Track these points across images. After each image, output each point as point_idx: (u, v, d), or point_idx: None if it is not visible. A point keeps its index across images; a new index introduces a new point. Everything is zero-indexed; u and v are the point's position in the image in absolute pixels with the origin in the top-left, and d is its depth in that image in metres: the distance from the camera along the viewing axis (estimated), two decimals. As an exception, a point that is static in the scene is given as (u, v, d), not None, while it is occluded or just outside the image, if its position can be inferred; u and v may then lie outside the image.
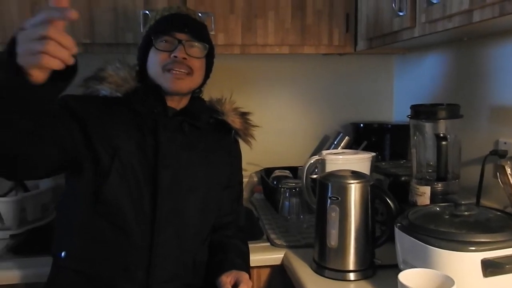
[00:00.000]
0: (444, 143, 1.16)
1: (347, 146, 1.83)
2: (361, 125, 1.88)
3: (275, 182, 1.72)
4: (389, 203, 1.11)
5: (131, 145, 1.06)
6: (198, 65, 1.16)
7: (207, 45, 1.17)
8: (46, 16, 0.70)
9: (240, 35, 1.56)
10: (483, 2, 0.90)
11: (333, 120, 1.99)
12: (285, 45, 1.60)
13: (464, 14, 0.98)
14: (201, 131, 1.19)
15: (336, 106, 2.00)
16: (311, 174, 1.44)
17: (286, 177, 1.77)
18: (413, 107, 1.30)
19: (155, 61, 1.14)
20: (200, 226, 1.14)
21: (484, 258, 0.84)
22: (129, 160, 1.04)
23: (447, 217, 0.98)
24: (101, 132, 1.04)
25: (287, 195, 1.55)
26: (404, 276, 0.82)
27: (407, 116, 1.32)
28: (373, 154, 1.47)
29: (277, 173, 1.81)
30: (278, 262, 1.32)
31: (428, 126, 1.28)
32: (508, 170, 1.01)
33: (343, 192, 1.12)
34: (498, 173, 1.04)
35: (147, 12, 1.46)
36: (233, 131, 1.28)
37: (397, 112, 2.02)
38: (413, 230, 0.95)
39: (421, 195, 1.25)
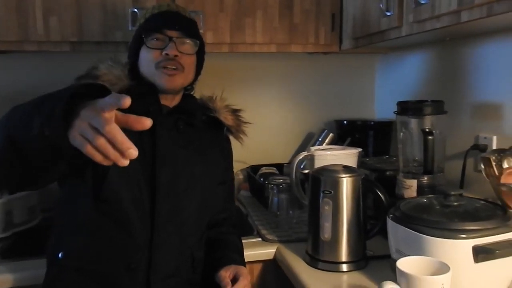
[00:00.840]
0: (430, 137, 1.21)
1: (331, 143, 1.87)
2: (345, 122, 1.93)
3: (262, 179, 1.74)
4: (380, 196, 1.15)
5: None
6: (190, 61, 1.17)
7: (198, 42, 1.18)
8: (108, 107, 0.65)
9: (229, 33, 1.57)
10: (472, 3, 0.95)
11: (317, 117, 2.03)
12: (273, 43, 1.63)
13: (453, 14, 1.03)
14: (195, 128, 1.20)
15: (320, 104, 2.04)
16: (300, 170, 1.48)
17: (273, 174, 1.80)
18: (400, 104, 1.35)
19: (147, 59, 1.14)
20: (198, 223, 1.15)
21: (475, 245, 0.89)
22: None
23: (437, 207, 1.02)
24: None
25: (275, 191, 1.58)
26: (402, 263, 0.85)
27: (394, 112, 1.36)
28: (360, 149, 1.51)
29: (264, 170, 1.84)
30: (271, 257, 1.34)
31: (414, 122, 1.33)
32: (493, 162, 1.06)
33: (336, 186, 1.15)
34: (483, 166, 1.09)
35: (135, 10, 1.46)
36: (225, 128, 1.30)
37: (379, 109, 2.08)
38: (406, 221, 0.99)
39: (408, 188, 1.30)
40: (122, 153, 0.65)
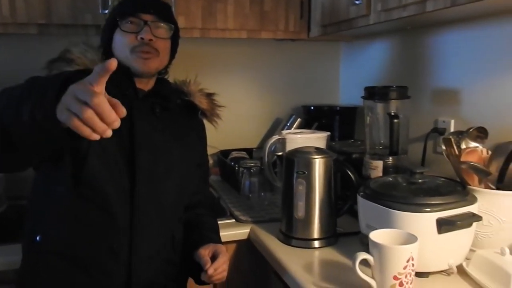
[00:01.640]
0: (396, 121, 1.29)
1: (299, 127, 1.92)
2: (312, 107, 1.99)
3: (233, 163, 1.78)
4: (350, 176, 1.22)
5: None
6: (164, 46, 1.17)
7: (172, 26, 1.19)
8: (96, 78, 0.66)
9: (200, 19, 1.58)
10: (437, -7, 1.02)
11: (285, 103, 2.08)
12: (244, 29, 1.65)
13: (419, 4, 1.10)
14: (171, 112, 1.21)
15: (288, 90, 2.09)
16: (272, 153, 1.52)
17: (243, 158, 1.84)
18: (367, 89, 1.42)
19: (121, 43, 1.13)
20: (177, 204, 1.18)
21: (439, 217, 0.97)
22: (106, 141, 1.04)
23: (404, 184, 1.10)
24: None
25: (247, 175, 1.62)
26: (375, 235, 0.92)
27: (361, 97, 1.43)
28: (328, 133, 1.58)
29: (234, 154, 1.88)
30: (245, 237, 1.39)
31: (380, 107, 1.40)
32: (454, 143, 1.15)
33: (309, 166, 1.21)
34: (444, 147, 1.17)
35: (106, -8, 1.44)
36: (199, 112, 1.31)
37: (343, 95, 2.16)
38: (375, 197, 1.05)
39: (374, 169, 1.38)
40: (109, 125, 0.67)
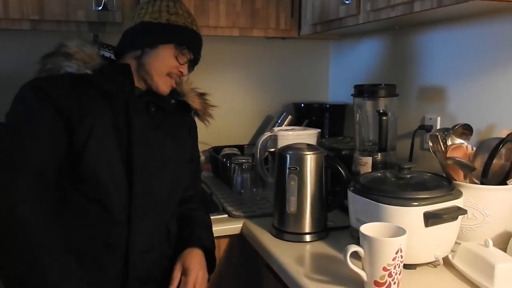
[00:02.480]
0: (385, 118, 1.32)
1: (290, 125, 1.95)
2: (302, 105, 2.02)
3: (225, 160, 1.80)
4: (341, 171, 1.25)
5: (106, 122, 1.07)
6: None
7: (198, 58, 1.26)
8: None
9: (192, 16, 1.60)
10: (424, -5, 1.06)
11: (276, 100, 2.11)
12: (235, 27, 1.67)
13: (406, 4, 1.14)
14: (165, 111, 1.23)
15: (279, 87, 2.12)
16: (264, 149, 1.55)
17: (235, 154, 1.86)
18: (356, 87, 1.45)
19: (163, 62, 1.17)
20: (171, 199, 1.20)
21: (426, 211, 1.00)
22: (104, 136, 1.06)
23: (392, 179, 1.14)
24: (75, 110, 1.04)
25: (239, 171, 1.64)
26: (365, 228, 0.95)
27: (351, 95, 1.47)
28: (319, 130, 1.61)
29: (226, 151, 1.90)
30: (237, 232, 1.41)
31: (369, 104, 1.44)
32: (441, 139, 1.19)
33: (301, 162, 1.24)
34: (431, 143, 1.21)
35: (99, -11, 1.45)
36: (192, 112, 1.34)
37: (332, 93, 2.19)
38: (365, 192, 1.09)
39: (363, 165, 1.41)
40: None
